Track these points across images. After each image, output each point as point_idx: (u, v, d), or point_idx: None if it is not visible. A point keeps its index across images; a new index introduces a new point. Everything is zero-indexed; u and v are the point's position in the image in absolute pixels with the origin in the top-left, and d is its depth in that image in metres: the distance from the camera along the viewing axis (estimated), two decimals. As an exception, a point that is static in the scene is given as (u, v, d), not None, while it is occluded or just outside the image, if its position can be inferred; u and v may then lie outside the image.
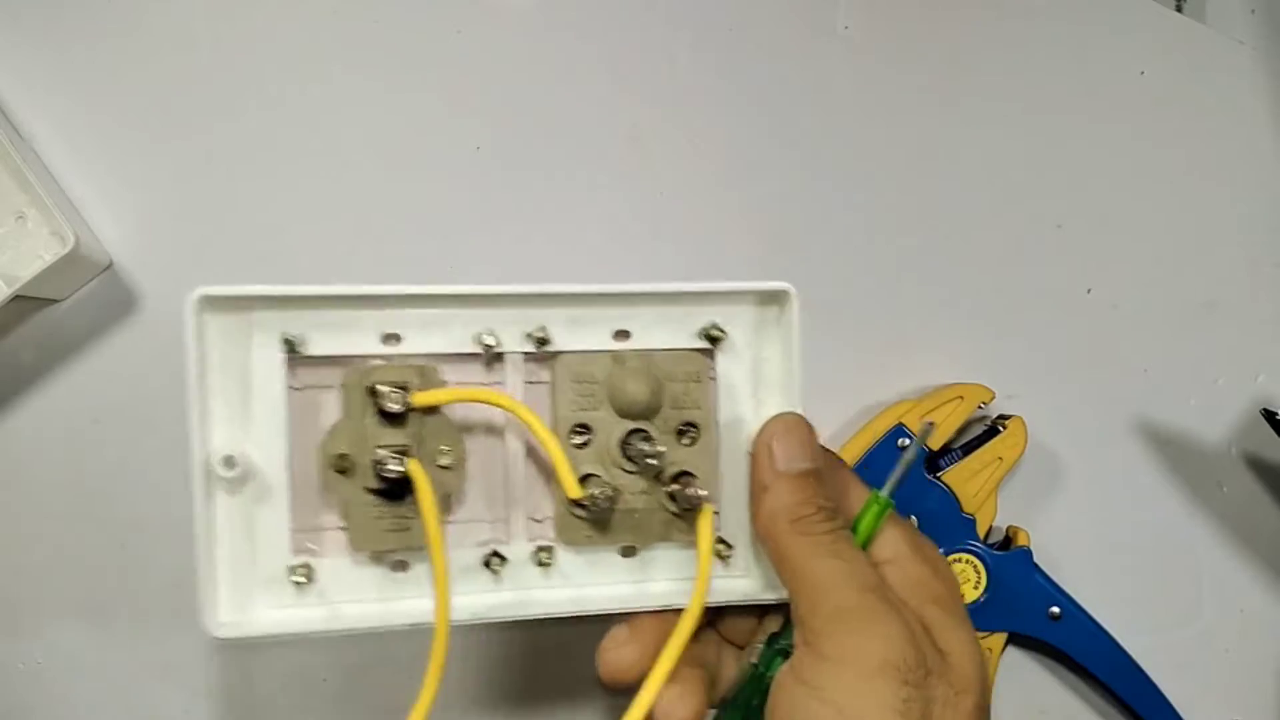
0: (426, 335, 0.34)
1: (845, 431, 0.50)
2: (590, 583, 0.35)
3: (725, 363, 0.35)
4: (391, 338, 0.33)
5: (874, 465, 0.48)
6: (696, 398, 0.35)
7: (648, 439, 0.34)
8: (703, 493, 0.34)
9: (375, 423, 0.32)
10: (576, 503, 0.33)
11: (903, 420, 0.48)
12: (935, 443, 0.49)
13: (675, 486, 0.34)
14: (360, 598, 0.34)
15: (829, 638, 0.30)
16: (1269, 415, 0.51)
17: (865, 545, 0.33)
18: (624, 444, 0.34)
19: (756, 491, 0.34)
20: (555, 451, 0.33)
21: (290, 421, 0.34)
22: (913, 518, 0.48)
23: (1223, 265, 0.53)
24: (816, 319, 0.51)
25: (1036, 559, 0.49)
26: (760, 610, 0.37)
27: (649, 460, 0.33)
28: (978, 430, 0.51)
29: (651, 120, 0.49)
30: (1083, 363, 0.52)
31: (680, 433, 0.35)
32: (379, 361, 0.33)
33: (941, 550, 0.48)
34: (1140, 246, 0.53)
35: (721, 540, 0.35)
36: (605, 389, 0.34)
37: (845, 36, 0.51)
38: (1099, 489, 0.52)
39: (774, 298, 0.35)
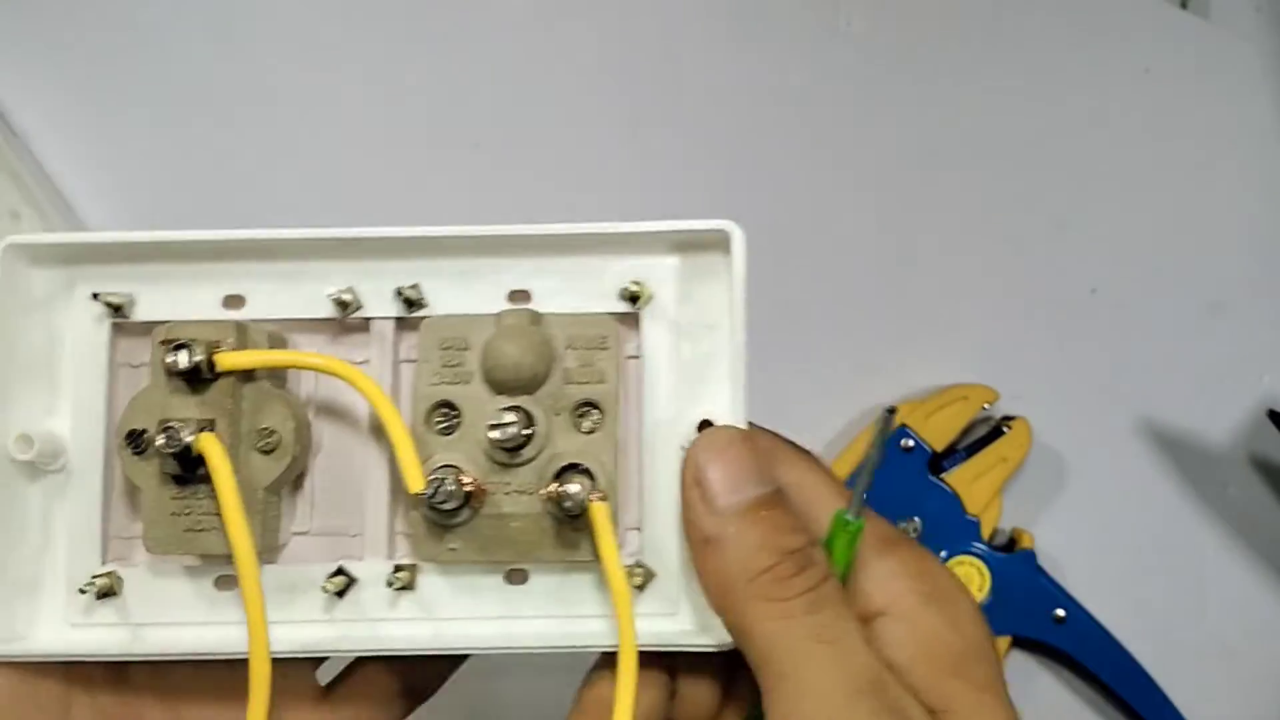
0: (275, 297, 0.28)
1: (847, 434, 0.50)
2: (458, 614, 0.28)
3: (653, 332, 0.28)
4: (234, 300, 0.28)
5: (877, 468, 0.48)
6: (602, 370, 0.27)
7: (515, 410, 0.27)
8: (587, 491, 0.26)
9: (176, 389, 0.26)
10: (425, 502, 0.26)
11: (905, 422, 0.48)
12: (939, 444, 0.48)
13: (554, 485, 0.26)
14: (170, 619, 0.28)
15: None
16: (1275, 416, 0.50)
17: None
18: (494, 427, 0.26)
19: (697, 546, 0.25)
20: (393, 427, 0.26)
21: (112, 397, 0.28)
22: (915, 520, 0.48)
23: (1228, 265, 0.53)
24: (817, 319, 0.51)
25: (1041, 561, 0.48)
26: (724, 674, 0.28)
27: (509, 446, 0.26)
28: (982, 431, 0.50)
29: (651, 115, 0.48)
30: (1087, 363, 0.52)
31: (580, 416, 0.27)
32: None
33: (944, 553, 0.48)
34: (1145, 246, 0.52)
35: (640, 565, 0.28)
36: (479, 358, 0.27)
37: (847, 33, 0.51)
38: (1104, 490, 0.51)
39: (710, 242, 0.28)
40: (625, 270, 0.28)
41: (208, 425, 0.26)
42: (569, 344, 0.27)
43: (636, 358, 0.28)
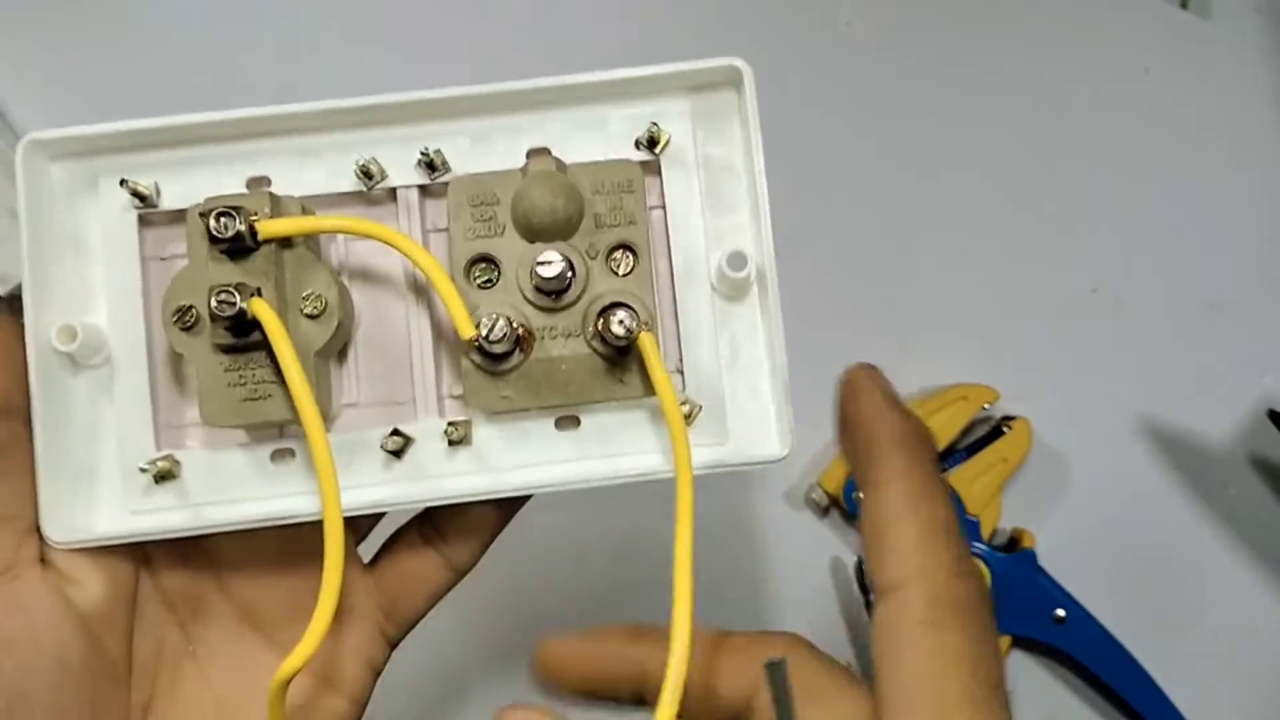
0: (299, 172, 0.28)
1: (848, 434, 0.50)
2: (514, 463, 0.29)
3: (673, 175, 0.29)
4: (259, 181, 0.28)
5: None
6: (630, 212, 0.28)
7: (553, 249, 0.27)
8: (633, 321, 0.27)
9: (218, 259, 0.27)
10: (477, 350, 0.27)
11: (906, 421, 0.48)
12: (939, 444, 0.48)
13: (600, 322, 0.27)
14: (230, 496, 0.28)
15: None
16: (1275, 416, 0.50)
17: None
18: (534, 274, 0.27)
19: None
20: (439, 280, 0.26)
21: (147, 291, 0.28)
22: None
23: (1229, 265, 0.53)
24: (817, 319, 0.50)
25: (1041, 561, 0.48)
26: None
27: (545, 274, 0.27)
28: (982, 431, 0.50)
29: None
30: (1087, 363, 0.52)
31: (614, 259, 0.28)
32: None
33: (945, 552, 0.48)
34: (1145, 246, 0.52)
35: (686, 402, 0.29)
36: (509, 211, 0.28)
37: (847, 32, 0.51)
38: (1104, 490, 0.51)
39: (721, 82, 0.29)
40: (639, 117, 0.29)
41: (255, 292, 0.26)
42: (595, 189, 0.28)
43: (660, 207, 0.29)
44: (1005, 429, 0.49)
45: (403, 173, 0.28)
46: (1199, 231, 0.52)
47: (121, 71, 0.46)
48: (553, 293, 0.28)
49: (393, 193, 0.29)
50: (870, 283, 0.50)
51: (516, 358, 0.28)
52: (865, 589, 0.48)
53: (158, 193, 0.28)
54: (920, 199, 0.51)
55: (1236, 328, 0.52)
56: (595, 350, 0.28)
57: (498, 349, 0.27)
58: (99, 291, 0.28)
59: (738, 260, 0.28)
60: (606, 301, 0.28)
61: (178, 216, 0.28)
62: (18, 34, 0.45)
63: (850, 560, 0.50)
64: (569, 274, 0.27)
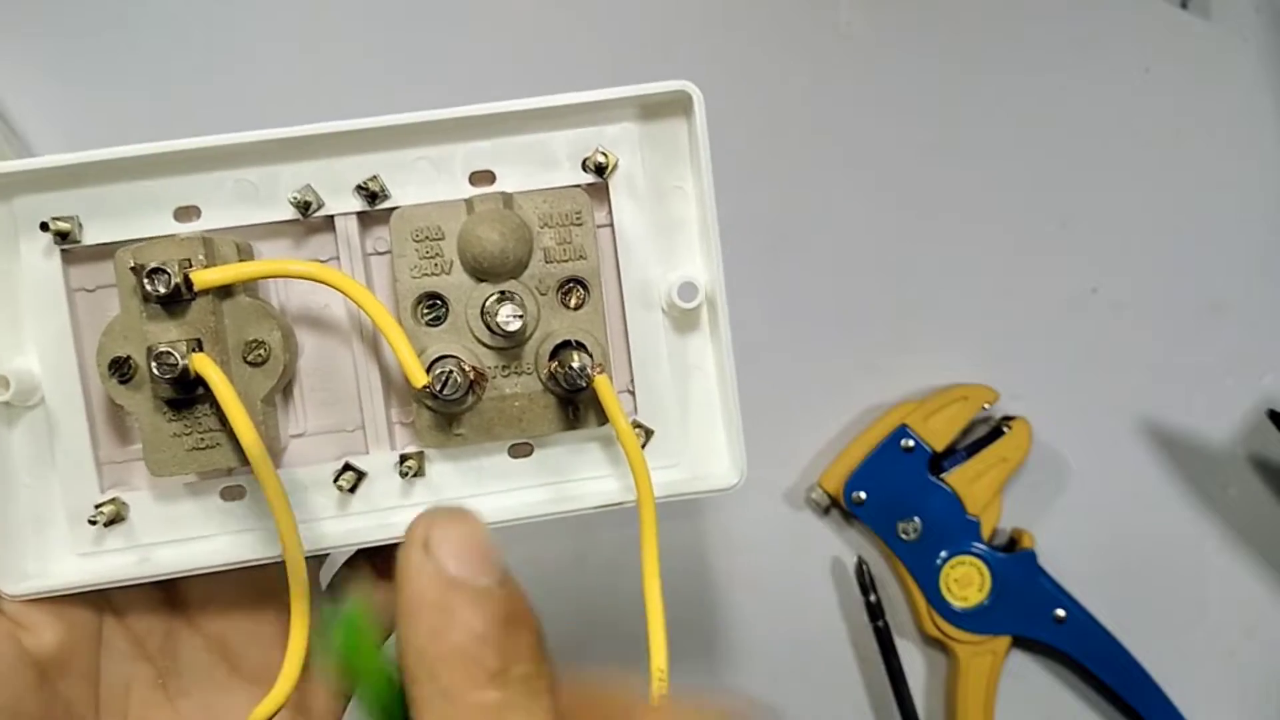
0: (231, 205, 0.27)
1: (847, 434, 0.50)
2: (468, 493, 0.28)
3: (622, 200, 0.28)
4: (188, 211, 0.27)
5: (877, 466, 0.48)
6: (580, 246, 0.27)
7: (510, 300, 0.27)
8: (588, 362, 0.26)
9: (154, 314, 0.26)
10: (429, 392, 0.26)
11: (906, 421, 0.48)
12: (939, 444, 0.48)
13: (554, 363, 0.27)
14: (180, 535, 0.28)
15: None
16: (1275, 416, 0.50)
17: None
18: (485, 313, 0.27)
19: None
20: (388, 328, 0.26)
21: (76, 326, 0.27)
22: (915, 520, 0.48)
23: (1229, 265, 0.52)
24: (817, 319, 0.50)
25: (1041, 561, 0.48)
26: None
27: (508, 329, 0.26)
28: (982, 431, 0.50)
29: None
30: (1088, 363, 0.51)
31: (565, 293, 0.28)
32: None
33: (945, 553, 0.48)
34: (1145, 246, 0.52)
35: (639, 425, 0.29)
36: (455, 247, 0.27)
37: (846, 32, 0.51)
38: (1104, 490, 0.51)
39: (670, 106, 0.28)
40: (587, 140, 0.28)
41: (195, 345, 0.26)
42: (544, 222, 0.27)
43: (608, 226, 0.29)
44: (1005, 429, 0.49)
45: (341, 200, 0.28)
46: (1199, 231, 0.52)
47: (122, 72, 0.46)
48: (502, 330, 0.27)
49: (330, 220, 0.28)
50: (870, 283, 0.50)
51: (470, 399, 0.27)
52: (865, 589, 0.48)
53: (80, 228, 0.27)
54: (920, 198, 0.51)
55: (1236, 328, 0.52)
56: (548, 388, 0.28)
57: (452, 397, 0.26)
58: (27, 331, 0.28)
59: (688, 291, 0.28)
60: (559, 340, 0.27)
61: (104, 251, 0.27)
62: (18, 35, 0.45)
63: (850, 560, 0.50)
64: (525, 319, 0.27)
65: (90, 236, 0.27)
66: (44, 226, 0.27)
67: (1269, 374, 0.52)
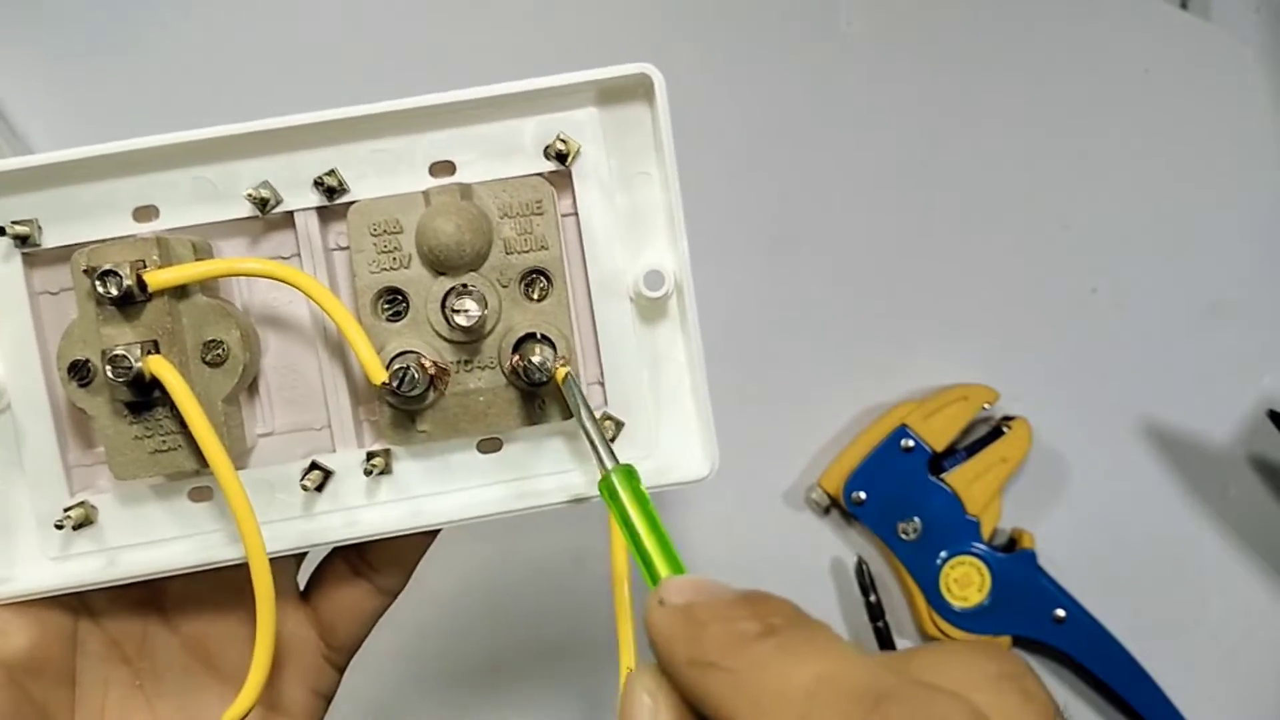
0: (189, 204, 0.27)
1: (848, 433, 0.50)
2: (435, 490, 0.28)
3: (585, 187, 0.28)
4: (146, 211, 0.27)
5: (877, 466, 0.48)
6: (542, 236, 0.27)
7: (468, 294, 0.26)
8: (549, 357, 0.26)
9: (109, 317, 0.26)
10: (389, 389, 0.26)
11: (906, 421, 0.48)
12: (939, 444, 0.48)
13: (515, 358, 0.26)
14: (149, 537, 0.28)
15: None
16: (1275, 416, 0.50)
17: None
18: (445, 307, 0.26)
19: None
20: (345, 324, 0.25)
21: (40, 329, 0.27)
22: (915, 520, 0.48)
23: (1228, 265, 0.52)
24: (818, 319, 0.50)
25: (1041, 561, 0.48)
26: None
27: (466, 323, 0.26)
28: (982, 431, 0.50)
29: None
30: (1088, 363, 0.52)
31: (528, 285, 0.27)
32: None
33: (945, 553, 0.48)
34: (1145, 246, 0.52)
35: (609, 417, 0.28)
36: (413, 241, 0.27)
37: (847, 33, 0.51)
38: (1104, 491, 0.51)
39: (632, 90, 0.27)
40: (548, 128, 0.27)
41: (151, 347, 0.26)
42: (503, 213, 0.27)
43: (573, 215, 0.28)
44: (1005, 429, 0.49)
45: (300, 196, 0.27)
46: (1199, 231, 0.52)
47: (122, 72, 0.46)
48: (460, 325, 0.27)
49: (290, 216, 0.28)
50: (870, 283, 0.50)
51: (432, 395, 0.27)
52: (865, 589, 0.48)
53: (40, 230, 0.27)
54: (920, 199, 0.51)
55: (1236, 328, 0.52)
56: (512, 382, 0.27)
57: (411, 393, 0.26)
58: None
59: (655, 279, 0.27)
60: (521, 332, 0.27)
61: (65, 253, 0.27)
62: (18, 36, 0.45)
63: (850, 560, 0.50)
64: (484, 313, 0.26)
65: (50, 239, 0.27)
66: (2, 231, 0.27)
67: (1269, 374, 0.52)
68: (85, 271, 0.25)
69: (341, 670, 0.33)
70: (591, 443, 0.25)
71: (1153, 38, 0.52)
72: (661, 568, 0.22)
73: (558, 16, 0.49)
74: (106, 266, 0.25)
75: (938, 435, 0.48)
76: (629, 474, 0.24)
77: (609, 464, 0.24)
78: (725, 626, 0.19)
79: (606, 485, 0.24)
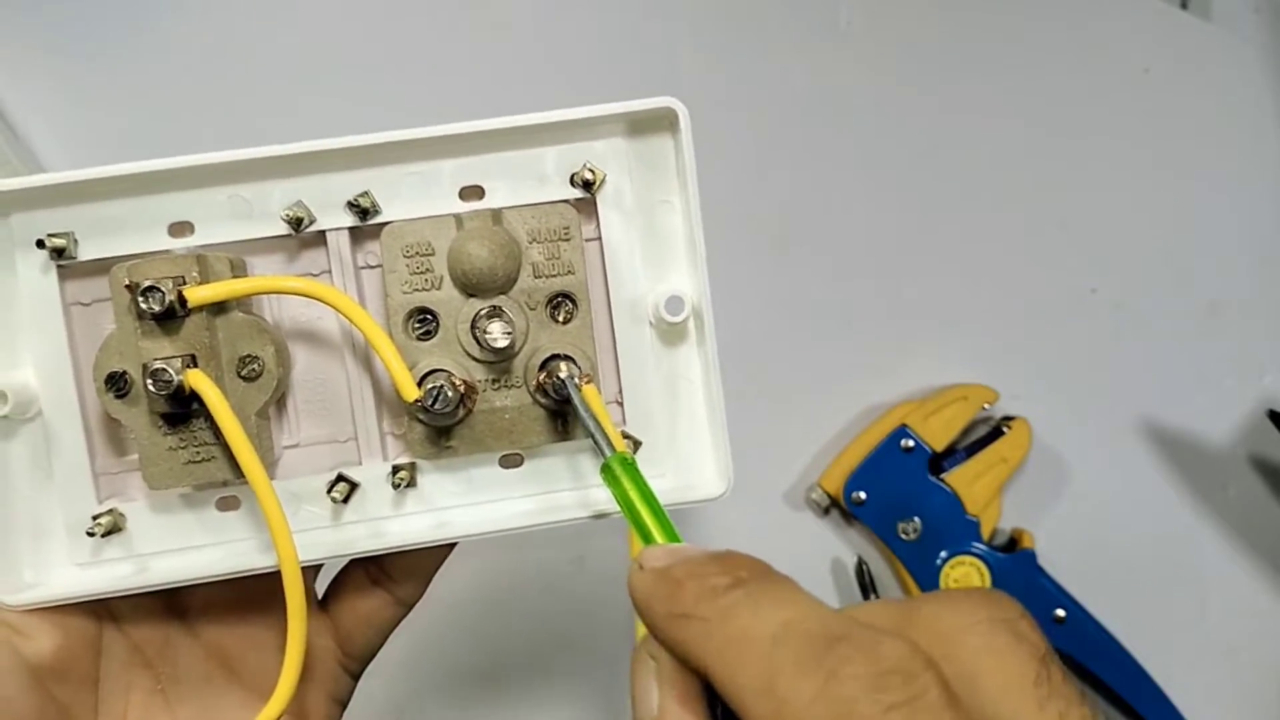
0: (223, 221, 0.28)
1: (848, 433, 0.50)
2: (459, 503, 0.29)
3: (610, 215, 0.29)
4: (181, 227, 0.28)
5: (877, 466, 0.48)
6: (568, 261, 0.28)
7: (499, 316, 0.27)
8: (575, 371, 0.27)
9: (149, 331, 0.26)
10: (420, 406, 0.27)
11: (906, 421, 0.48)
12: (939, 444, 0.48)
13: (542, 375, 0.27)
14: (177, 544, 0.28)
15: None
16: (1275, 416, 0.50)
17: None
18: (475, 328, 0.27)
19: None
20: (380, 343, 0.26)
21: (73, 340, 0.28)
22: (916, 520, 0.48)
23: (1228, 265, 0.52)
24: (818, 319, 0.50)
25: (1041, 561, 0.48)
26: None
27: (497, 345, 0.27)
28: (982, 431, 0.50)
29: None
30: (1087, 363, 0.52)
31: (554, 308, 0.28)
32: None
33: (945, 554, 0.48)
34: (1145, 246, 0.52)
35: (627, 435, 0.29)
36: (445, 262, 0.27)
37: (847, 32, 0.51)
38: (1104, 491, 0.51)
39: (657, 122, 0.28)
40: (574, 156, 0.28)
41: (189, 361, 0.26)
42: (532, 238, 0.28)
43: (596, 240, 0.29)
44: (1005, 429, 0.49)
45: (333, 216, 0.28)
46: (1199, 231, 0.52)
47: (122, 73, 0.46)
48: (491, 345, 0.27)
49: (322, 235, 0.28)
50: (870, 283, 0.50)
51: (460, 413, 0.28)
52: (865, 589, 0.48)
53: (76, 244, 0.28)
54: (920, 198, 0.51)
55: (1236, 328, 0.52)
56: (537, 400, 0.28)
57: (443, 411, 0.27)
58: (24, 346, 0.28)
59: (675, 305, 0.28)
60: (548, 353, 0.28)
61: (99, 266, 0.28)
62: (19, 35, 0.45)
63: (850, 560, 0.50)
64: (514, 335, 0.27)
65: (86, 252, 0.28)
66: (40, 243, 0.27)
67: (1269, 374, 0.52)
68: (127, 287, 0.26)
69: (357, 678, 0.33)
70: (590, 434, 0.26)
71: (1153, 37, 0.52)
72: (660, 539, 0.24)
73: (558, 16, 0.49)
74: (149, 282, 0.26)
75: (938, 435, 0.48)
76: (625, 460, 0.25)
77: (608, 452, 0.25)
78: (698, 582, 0.21)
79: (609, 469, 0.25)
